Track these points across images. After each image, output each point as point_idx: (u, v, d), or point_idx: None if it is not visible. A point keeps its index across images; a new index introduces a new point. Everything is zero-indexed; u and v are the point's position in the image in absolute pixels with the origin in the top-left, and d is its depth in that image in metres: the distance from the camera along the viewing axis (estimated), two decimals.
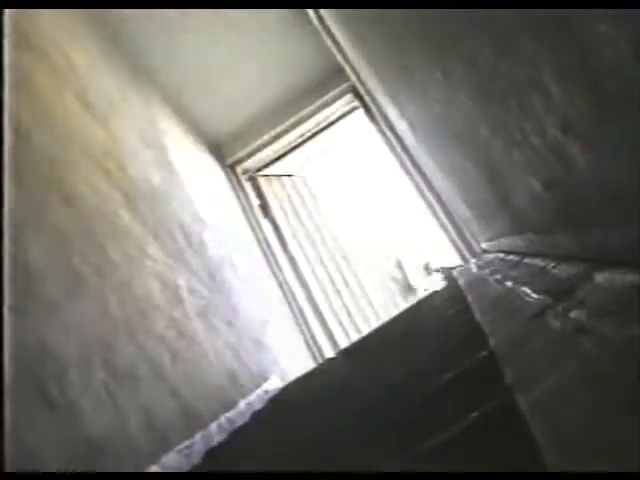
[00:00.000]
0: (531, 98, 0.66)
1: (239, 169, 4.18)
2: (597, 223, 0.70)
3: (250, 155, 4.15)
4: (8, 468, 0.78)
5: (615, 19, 0.46)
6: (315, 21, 3.06)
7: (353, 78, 3.50)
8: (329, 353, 3.60)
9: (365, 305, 4.40)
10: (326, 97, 3.94)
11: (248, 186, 4.19)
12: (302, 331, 3.63)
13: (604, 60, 0.52)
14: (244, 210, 3.97)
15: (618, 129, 0.58)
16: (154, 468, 1.08)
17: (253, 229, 3.91)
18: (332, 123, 4.15)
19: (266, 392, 2.14)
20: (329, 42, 3.16)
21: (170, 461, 1.16)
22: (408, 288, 5.58)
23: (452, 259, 3.55)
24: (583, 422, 0.42)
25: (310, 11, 3.00)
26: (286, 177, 4.57)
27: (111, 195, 1.76)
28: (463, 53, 0.81)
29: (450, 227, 3.37)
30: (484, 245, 2.58)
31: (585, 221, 0.75)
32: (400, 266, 5.75)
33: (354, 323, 4.15)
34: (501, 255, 1.88)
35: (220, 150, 4.10)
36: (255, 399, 1.97)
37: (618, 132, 0.58)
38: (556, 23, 0.55)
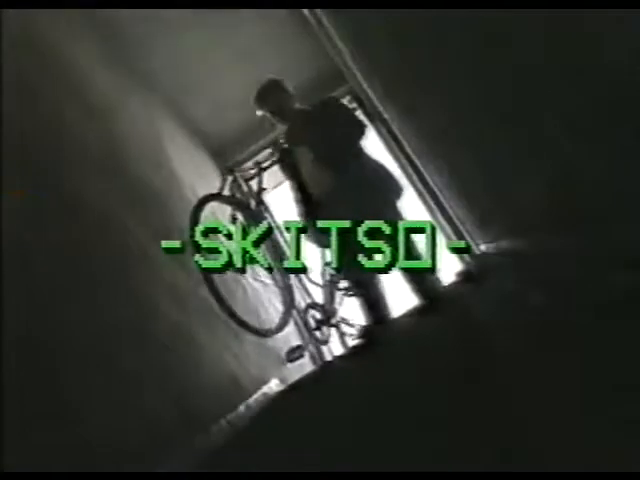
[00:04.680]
0: (533, 99, 0.67)
1: (238, 170, 4.16)
2: (598, 222, 0.70)
3: (249, 157, 4.14)
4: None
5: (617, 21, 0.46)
6: (314, 23, 3.06)
7: (352, 80, 3.50)
8: (328, 356, 3.59)
9: None
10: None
11: (246, 187, 4.17)
12: (302, 333, 3.62)
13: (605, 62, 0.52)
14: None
15: (616, 130, 0.58)
16: (155, 469, 1.08)
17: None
18: None
19: (266, 395, 2.13)
20: (328, 44, 3.17)
21: (171, 463, 1.16)
22: None
23: (451, 261, 3.53)
24: None
25: (309, 12, 3.01)
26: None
27: (111, 196, 1.76)
28: (466, 53, 0.81)
29: (449, 229, 3.36)
30: (483, 247, 2.58)
31: (586, 220, 0.75)
32: None
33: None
34: (500, 256, 1.89)
35: (219, 152, 4.09)
36: (255, 401, 1.97)
37: (617, 133, 0.58)
38: (558, 25, 0.56)
